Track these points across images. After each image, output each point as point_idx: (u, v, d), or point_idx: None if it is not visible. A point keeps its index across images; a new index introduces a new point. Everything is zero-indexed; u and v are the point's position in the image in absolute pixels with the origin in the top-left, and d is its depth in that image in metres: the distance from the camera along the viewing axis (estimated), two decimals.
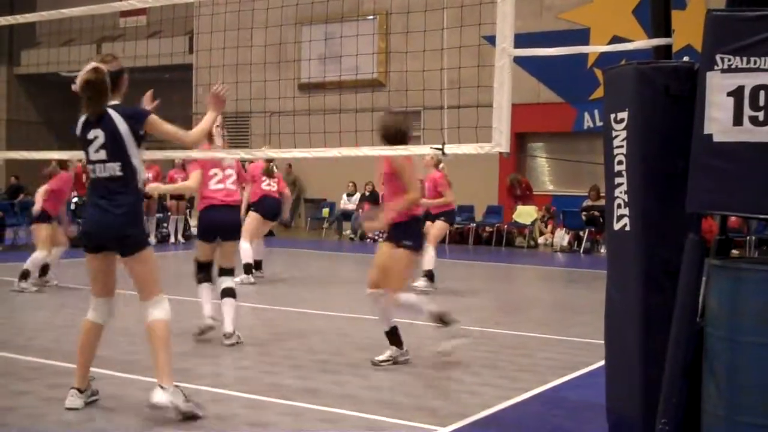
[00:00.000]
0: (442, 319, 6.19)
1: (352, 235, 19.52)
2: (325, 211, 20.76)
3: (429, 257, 10.21)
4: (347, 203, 20.09)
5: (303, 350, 6.67)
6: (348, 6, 19.95)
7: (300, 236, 19.96)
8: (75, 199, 16.68)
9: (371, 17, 20.74)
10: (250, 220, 10.89)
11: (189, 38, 24.87)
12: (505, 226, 18.29)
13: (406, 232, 6.03)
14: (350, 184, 20.04)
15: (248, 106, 22.12)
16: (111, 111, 4.79)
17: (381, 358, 6.14)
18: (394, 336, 6.19)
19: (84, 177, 17.43)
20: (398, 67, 20.07)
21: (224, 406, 4.94)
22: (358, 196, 19.93)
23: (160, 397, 4.54)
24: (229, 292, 6.84)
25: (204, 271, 7.02)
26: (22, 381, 5.48)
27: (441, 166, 10.64)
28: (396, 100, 20.30)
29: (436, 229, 10.48)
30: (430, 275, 10.36)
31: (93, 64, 4.78)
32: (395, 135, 6.03)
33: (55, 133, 29.48)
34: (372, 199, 19.56)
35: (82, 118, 4.90)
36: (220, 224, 6.88)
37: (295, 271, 12.61)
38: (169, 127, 4.90)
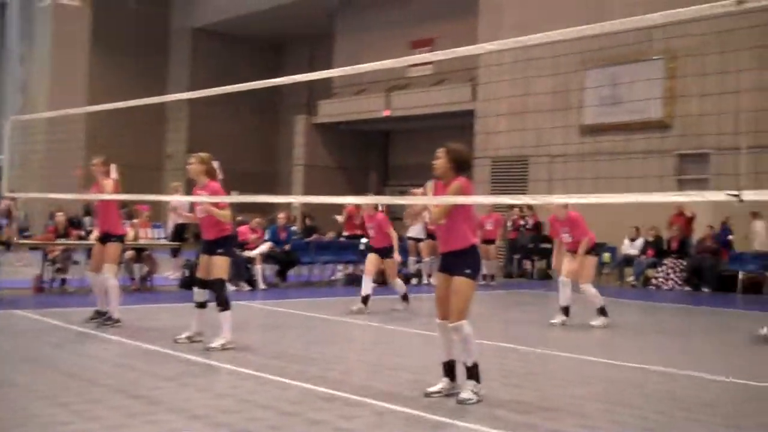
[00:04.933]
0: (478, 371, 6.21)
1: (635, 282, 18.88)
2: (607, 256, 20.25)
3: None
4: (630, 248, 19.47)
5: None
6: (632, 49, 19.54)
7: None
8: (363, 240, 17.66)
9: (657, 58, 20.11)
10: None
11: (472, 86, 25.53)
12: None
13: (468, 261, 6.28)
14: (633, 229, 19.42)
15: (527, 151, 22.38)
16: None
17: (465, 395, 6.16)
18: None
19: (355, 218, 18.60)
20: (684, 109, 19.29)
21: None
22: (641, 240, 19.26)
23: None
24: None
25: None
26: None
27: None
28: (684, 142, 19.54)
29: None
30: None
31: None
32: (468, 161, 6.42)
33: (347, 178, 31.45)
34: (655, 245, 18.82)
35: None
36: None
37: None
38: None
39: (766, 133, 16.92)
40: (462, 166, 6.31)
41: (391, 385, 6.78)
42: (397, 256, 12.46)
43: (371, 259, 12.43)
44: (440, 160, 6.32)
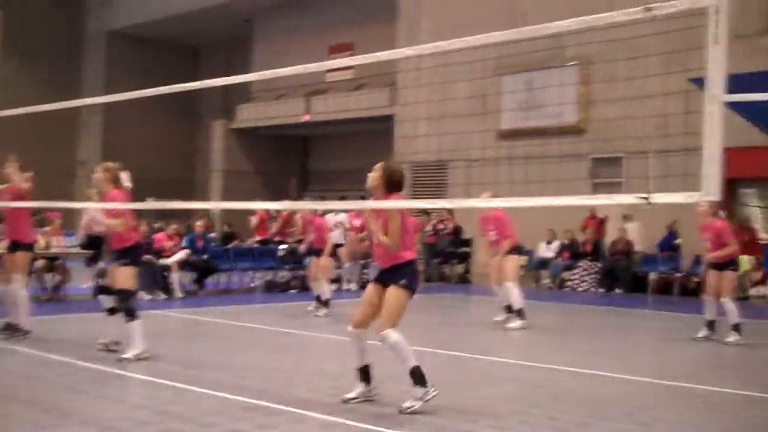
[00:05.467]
0: (422, 374, 6.07)
1: (551, 284, 19.23)
2: (523, 259, 20.56)
3: (734, 311, 10.23)
4: (546, 251, 19.84)
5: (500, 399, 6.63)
6: (547, 55, 19.92)
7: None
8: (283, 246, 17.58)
9: (571, 64, 20.55)
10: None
11: (391, 90, 25.66)
12: None
13: (404, 274, 6.23)
14: (548, 232, 19.78)
15: (447, 155, 22.58)
16: None
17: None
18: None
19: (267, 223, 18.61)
20: (599, 114, 19.75)
21: None
22: (557, 243, 19.63)
23: None
24: None
25: None
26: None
27: (721, 214, 10.52)
28: (598, 147, 20.00)
29: (728, 279, 10.40)
30: (738, 328, 10.24)
31: None
32: (399, 183, 6.41)
33: (266, 183, 31.22)
34: (571, 248, 19.20)
35: None
36: None
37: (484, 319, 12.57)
38: None
39: (673, 137, 17.47)
40: (394, 185, 6.38)
41: (309, 392, 6.75)
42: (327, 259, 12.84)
43: (316, 261, 12.76)
44: (375, 174, 6.38)
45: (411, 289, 6.24)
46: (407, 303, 6.23)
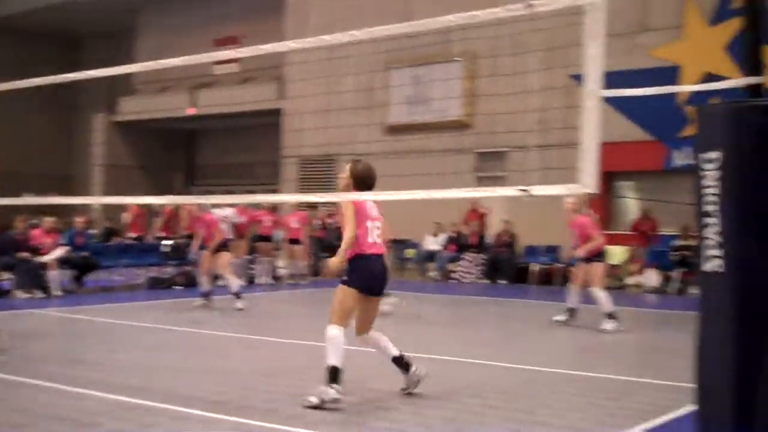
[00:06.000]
0: (335, 375, 6.07)
1: (437, 277, 19.51)
2: (411, 252, 20.80)
3: (605, 299, 10.58)
4: (432, 244, 20.11)
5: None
6: (435, 49, 20.16)
7: None
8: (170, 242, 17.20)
9: (458, 59, 20.86)
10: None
11: (279, 84, 25.46)
12: None
13: (347, 269, 6.31)
14: (435, 225, 20.07)
15: (335, 150, 22.58)
16: None
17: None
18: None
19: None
20: (484, 108, 20.12)
21: None
22: (443, 236, 19.93)
23: None
24: None
25: None
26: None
27: (585, 210, 10.95)
28: (482, 141, 20.39)
29: (597, 269, 10.81)
30: (613, 315, 10.57)
31: None
32: (365, 179, 6.47)
33: (150, 178, 30.48)
34: (457, 240, 19.52)
35: None
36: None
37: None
38: None
39: (554, 131, 17.98)
40: (362, 183, 6.45)
41: (193, 389, 6.63)
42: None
43: (207, 256, 12.81)
44: (343, 175, 6.54)
45: (350, 284, 6.29)
46: (350, 299, 6.30)
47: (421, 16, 5.95)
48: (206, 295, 12.79)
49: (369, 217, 6.38)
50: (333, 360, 6.10)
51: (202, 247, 13.02)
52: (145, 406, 5.96)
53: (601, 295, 10.68)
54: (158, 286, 16.22)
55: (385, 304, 11.31)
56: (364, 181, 6.47)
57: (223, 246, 12.98)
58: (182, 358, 8.31)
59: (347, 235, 6.22)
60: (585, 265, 10.90)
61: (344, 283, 6.31)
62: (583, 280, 10.96)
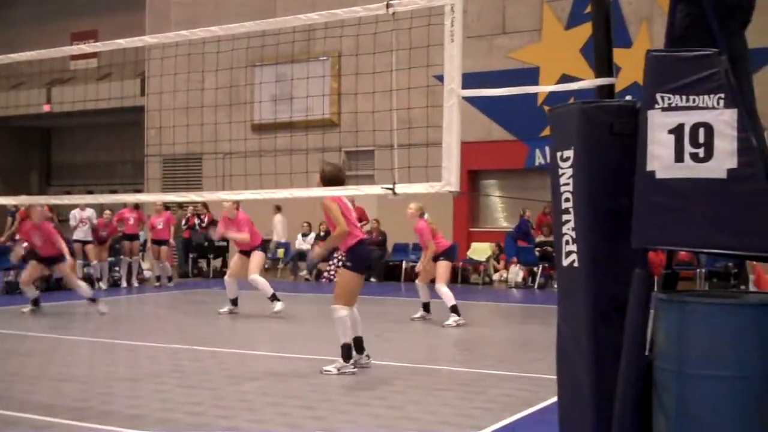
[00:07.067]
0: (348, 352, 7.25)
1: (308, 276, 19.45)
2: (280, 252, 20.67)
3: (447, 294, 11.07)
4: (302, 243, 20.04)
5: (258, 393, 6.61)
6: (299, 47, 20.08)
7: None
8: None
9: (323, 58, 20.88)
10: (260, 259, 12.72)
11: (141, 81, 24.77)
12: (460, 264, 18.35)
13: (348, 257, 7.35)
14: (305, 224, 20.02)
15: (200, 148, 22.16)
16: None
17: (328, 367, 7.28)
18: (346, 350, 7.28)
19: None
20: (350, 107, 20.21)
21: None
22: (313, 236, 19.89)
23: None
24: None
25: None
26: None
27: (426, 216, 11.43)
28: (349, 140, 20.47)
29: (441, 268, 11.27)
30: (455, 309, 11.00)
31: None
32: (332, 179, 7.27)
33: (3, 177, 29.07)
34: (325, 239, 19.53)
35: None
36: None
37: (250, 311, 12.53)
38: None
39: (417, 130, 18.19)
40: (333, 181, 7.21)
41: (53, 398, 6.37)
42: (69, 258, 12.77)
43: (35, 266, 12.44)
44: (318, 179, 7.33)
45: (355, 268, 7.30)
46: (356, 281, 7.34)
47: (283, 13, 5.92)
48: (35, 302, 12.44)
49: (349, 209, 7.48)
50: (344, 338, 7.18)
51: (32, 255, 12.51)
52: (3, 417, 5.68)
53: (445, 291, 11.12)
54: (15, 291, 15.48)
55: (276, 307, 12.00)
56: (334, 178, 7.29)
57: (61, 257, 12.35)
58: (41, 365, 7.97)
59: (339, 229, 7.21)
60: (432, 264, 11.34)
61: (348, 268, 7.29)
62: (428, 277, 11.45)
